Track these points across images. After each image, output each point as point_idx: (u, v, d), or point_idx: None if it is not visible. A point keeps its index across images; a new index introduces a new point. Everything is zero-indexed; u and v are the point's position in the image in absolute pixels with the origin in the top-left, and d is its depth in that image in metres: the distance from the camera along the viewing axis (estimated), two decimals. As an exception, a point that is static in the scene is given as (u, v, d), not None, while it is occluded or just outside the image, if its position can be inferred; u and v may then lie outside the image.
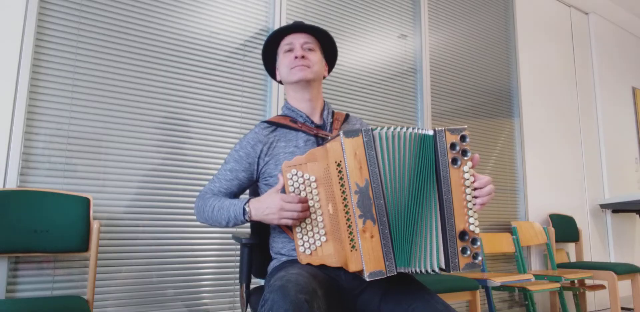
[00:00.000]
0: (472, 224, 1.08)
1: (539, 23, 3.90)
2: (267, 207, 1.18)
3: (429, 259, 1.07)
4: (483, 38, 3.48)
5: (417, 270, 1.06)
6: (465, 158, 1.09)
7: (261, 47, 1.49)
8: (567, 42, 4.13)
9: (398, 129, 1.10)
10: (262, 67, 2.43)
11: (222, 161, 2.15)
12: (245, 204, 1.24)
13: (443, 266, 1.06)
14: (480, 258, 1.07)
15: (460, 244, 1.06)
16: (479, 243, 1.07)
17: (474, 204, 1.10)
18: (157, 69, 2.05)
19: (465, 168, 1.09)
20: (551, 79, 3.89)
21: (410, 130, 1.11)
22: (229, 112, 2.22)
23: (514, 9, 3.70)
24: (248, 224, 1.75)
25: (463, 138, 1.10)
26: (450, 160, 1.09)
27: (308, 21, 2.53)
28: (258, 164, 1.37)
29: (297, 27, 1.43)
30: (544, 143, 3.69)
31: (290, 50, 1.42)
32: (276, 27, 2.39)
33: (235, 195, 1.40)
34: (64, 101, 1.83)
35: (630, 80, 4.61)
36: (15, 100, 1.71)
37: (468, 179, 1.09)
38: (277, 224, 1.27)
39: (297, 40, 1.41)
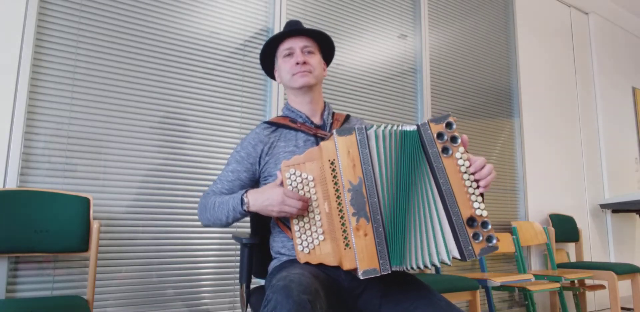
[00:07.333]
0: (478, 208, 1.06)
1: (539, 23, 3.90)
2: (267, 198, 1.18)
3: (429, 252, 1.05)
4: (483, 38, 3.47)
5: (415, 266, 1.05)
6: (455, 145, 1.08)
7: (261, 47, 1.49)
8: (567, 42, 4.13)
9: (389, 127, 1.09)
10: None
11: (222, 161, 2.16)
12: (243, 195, 1.24)
13: (457, 256, 1.04)
14: (495, 241, 1.05)
15: (470, 231, 1.05)
16: (489, 226, 1.05)
17: (476, 188, 1.08)
18: (157, 69, 2.05)
19: (458, 155, 1.08)
20: (551, 79, 3.89)
21: (400, 127, 1.09)
22: (229, 112, 2.22)
23: (513, 9, 3.70)
24: (248, 225, 1.75)
25: (449, 125, 1.08)
26: (440, 150, 1.08)
27: (308, 21, 2.53)
28: (259, 164, 1.38)
29: (295, 31, 1.43)
30: (544, 143, 3.69)
31: (289, 55, 1.42)
32: (276, 27, 2.39)
33: None
34: (64, 101, 1.83)
35: (630, 80, 4.61)
36: (15, 100, 1.71)
37: (463, 165, 1.08)
38: (275, 216, 1.27)
39: (296, 45, 1.41)
